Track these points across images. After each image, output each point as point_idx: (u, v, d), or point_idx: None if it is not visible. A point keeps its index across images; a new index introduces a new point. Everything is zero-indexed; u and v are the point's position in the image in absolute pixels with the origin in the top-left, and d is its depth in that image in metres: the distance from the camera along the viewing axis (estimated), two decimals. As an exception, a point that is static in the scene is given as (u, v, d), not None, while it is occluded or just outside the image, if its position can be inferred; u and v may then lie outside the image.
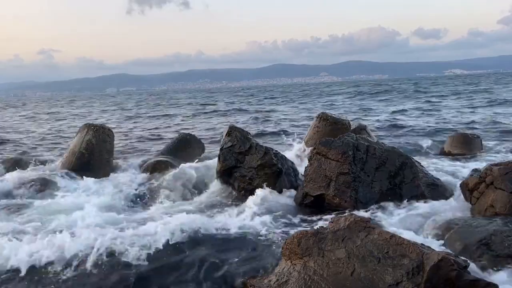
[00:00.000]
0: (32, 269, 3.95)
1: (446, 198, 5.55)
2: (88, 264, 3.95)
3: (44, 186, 6.95)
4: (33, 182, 7.02)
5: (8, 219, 5.52)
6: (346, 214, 4.29)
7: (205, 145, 9.83)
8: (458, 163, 8.28)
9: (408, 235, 4.08)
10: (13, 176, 7.36)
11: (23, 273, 3.89)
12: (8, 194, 6.78)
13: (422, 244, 3.08)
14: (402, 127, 15.03)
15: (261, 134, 14.86)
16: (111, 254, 4.11)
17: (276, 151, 6.52)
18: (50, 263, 4.01)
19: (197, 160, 8.70)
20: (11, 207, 6.17)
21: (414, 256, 2.86)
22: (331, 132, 7.17)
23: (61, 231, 4.57)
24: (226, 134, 6.57)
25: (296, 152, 7.91)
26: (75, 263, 3.98)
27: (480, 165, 6.04)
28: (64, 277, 3.82)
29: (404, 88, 46.68)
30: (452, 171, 7.57)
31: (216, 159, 6.71)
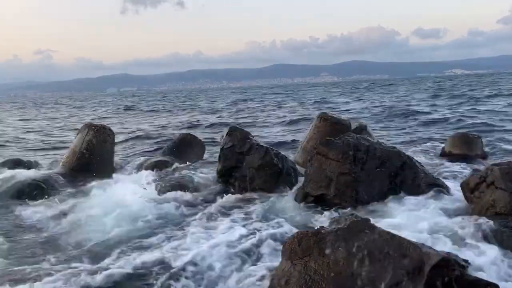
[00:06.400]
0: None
1: (447, 198, 5.55)
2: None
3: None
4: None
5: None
6: (346, 214, 4.30)
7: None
8: (458, 163, 8.28)
9: (408, 235, 4.09)
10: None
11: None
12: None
13: (422, 244, 3.08)
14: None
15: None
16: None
17: (277, 151, 6.52)
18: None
19: (196, 160, 8.72)
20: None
21: (414, 256, 2.86)
22: (331, 132, 7.16)
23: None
24: (227, 134, 6.58)
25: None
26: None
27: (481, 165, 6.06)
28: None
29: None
30: (452, 171, 7.58)
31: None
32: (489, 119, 15.81)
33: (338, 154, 5.49)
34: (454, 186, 5.90)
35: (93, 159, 7.85)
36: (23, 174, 7.85)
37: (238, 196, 6.23)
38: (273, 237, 4.67)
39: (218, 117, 24.01)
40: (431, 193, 5.58)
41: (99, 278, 3.69)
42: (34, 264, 4.06)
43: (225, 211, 5.74)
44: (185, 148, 8.82)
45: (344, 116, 8.49)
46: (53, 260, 4.14)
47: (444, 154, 9.28)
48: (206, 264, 4.04)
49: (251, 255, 4.26)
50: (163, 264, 3.99)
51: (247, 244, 4.51)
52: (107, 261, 4.11)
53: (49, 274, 3.75)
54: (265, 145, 6.45)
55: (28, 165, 8.74)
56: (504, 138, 11.47)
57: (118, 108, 37.99)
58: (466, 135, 9.50)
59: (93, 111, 38.04)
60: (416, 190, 5.56)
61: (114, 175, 7.90)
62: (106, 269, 3.86)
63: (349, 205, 5.29)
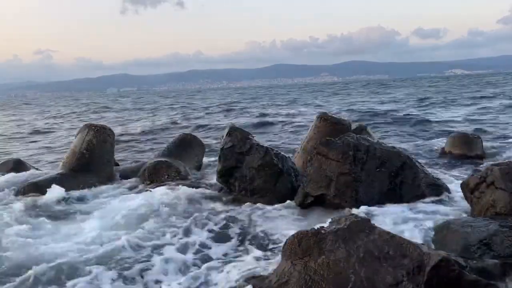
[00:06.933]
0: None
1: (447, 198, 5.55)
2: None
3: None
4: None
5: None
6: (346, 214, 4.30)
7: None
8: (458, 163, 8.29)
9: (408, 235, 4.09)
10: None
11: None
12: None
13: (422, 244, 3.09)
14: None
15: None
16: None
17: (277, 151, 6.51)
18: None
19: (197, 160, 8.71)
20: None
21: (414, 256, 2.86)
22: (331, 132, 7.15)
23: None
24: (227, 134, 6.57)
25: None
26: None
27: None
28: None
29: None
30: (452, 171, 7.58)
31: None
32: (488, 119, 15.83)
33: (338, 154, 5.49)
34: (454, 186, 5.90)
35: (93, 159, 7.84)
36: (23, 175, 7.87)
37: (238, 196, 6.23)
38: (273, 237, 4.67)
39: (216, 117, 24.04)
40: (431, 193, 5.59)
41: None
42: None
43: (224, 212, 5.74)
44: (185, 148, 8.81)
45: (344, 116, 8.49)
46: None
47: (444, 154, 9.29)
48: (203, 268, 4.04)
49: (250, 254, 4.26)
50: (155, 276, 3.95)
51: (246, 243, 4.52)
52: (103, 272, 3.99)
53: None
54: (265, 145, 6.44)
55: (29, 166, 8.74)
56: (503, 138, 11.48)
57: (115, 108, 38.09)
58: (466, 135, 9.51)
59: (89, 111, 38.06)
60: (416, 190, 5.56)
61: (113, 176, 7.92)
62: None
63: (349, 205, 5.29)
